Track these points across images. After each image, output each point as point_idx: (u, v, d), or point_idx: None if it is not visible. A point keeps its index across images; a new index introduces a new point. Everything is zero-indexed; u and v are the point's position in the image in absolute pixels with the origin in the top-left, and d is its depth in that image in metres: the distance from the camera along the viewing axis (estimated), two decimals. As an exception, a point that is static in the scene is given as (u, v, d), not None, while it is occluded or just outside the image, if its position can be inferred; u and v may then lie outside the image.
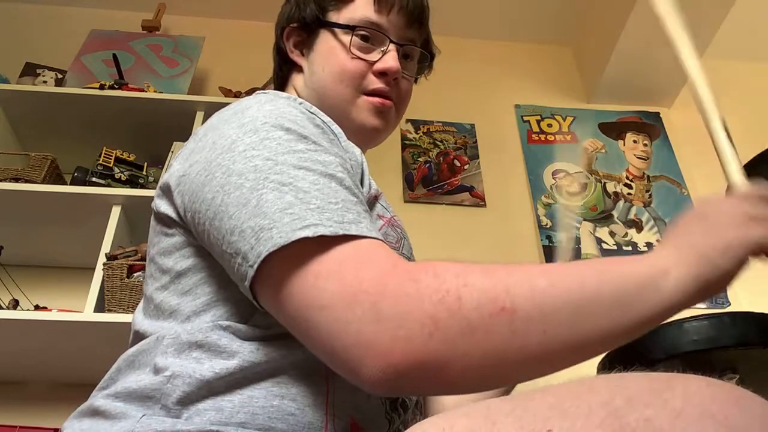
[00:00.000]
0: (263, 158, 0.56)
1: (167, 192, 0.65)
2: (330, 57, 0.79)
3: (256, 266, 0.51)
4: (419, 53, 0.85)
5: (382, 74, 0.79)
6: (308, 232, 0.50)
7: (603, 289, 0.49)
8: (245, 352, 0.55)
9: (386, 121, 0.81)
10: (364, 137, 0.80)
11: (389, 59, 0.78)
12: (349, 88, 0.78)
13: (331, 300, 0.48)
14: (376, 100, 0.79)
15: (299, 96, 0.81)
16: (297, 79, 0.84)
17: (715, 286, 0.52)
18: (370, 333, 0.46)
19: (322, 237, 0.50)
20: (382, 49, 0.79)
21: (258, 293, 0.53)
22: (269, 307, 0.54)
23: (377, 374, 0.46)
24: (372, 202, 0.68)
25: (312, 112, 0.65)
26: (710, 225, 0.54)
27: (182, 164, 0.64)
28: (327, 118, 0.67)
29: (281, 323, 0.54)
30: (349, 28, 0.78)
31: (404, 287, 0.47)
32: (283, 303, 0.51)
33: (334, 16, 0.80)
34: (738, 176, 0.61)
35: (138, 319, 0.66)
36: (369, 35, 0.79)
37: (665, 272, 0.51)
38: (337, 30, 0.79)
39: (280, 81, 0.88)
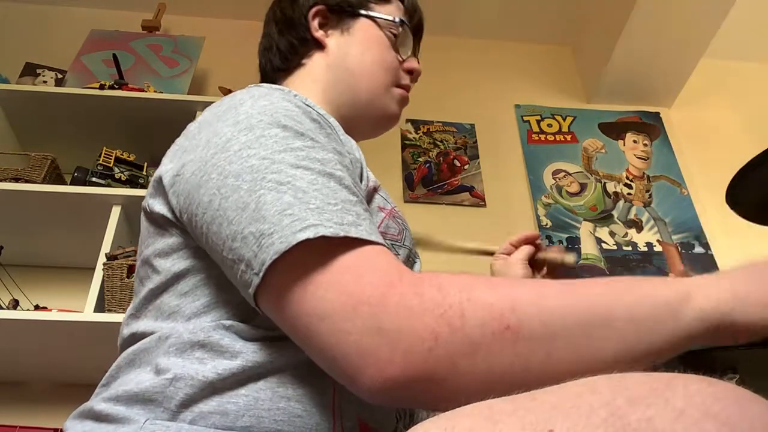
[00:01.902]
0: (259, 157, 0.54)
1: (161, 191, 0.63)
2: (373, 45, 0.84)
3: (261, 274, 0.50)
4: None
5: (409, 72, 0.88)
6: (309, 234, 0.49)
7: (616, 311, 0.46)
8: (248, 352, 0.54)
9: (401, 112, 0.89)
10: (380, 124, 0.88)
11: (416, 62, 0.89)
12: (389, 77, 0.85)
13: (332, 310, 0.47)
14: (404, 91, 0.87)
15: (314, 75, 0.84)
16: (318, 58, 0.85)
17: (728, 332, 0.48)
18: (369, 344, 0.45)
19: (323, 242, 0.49)
20: (408, 50, 0.88)
21: (259, 299, 0.52)
22: (269, 312, 0.53)
23: (375, 385, 0.45)
24: (371, 194, 0.67)
25: (308, 105, 0.63)
26: (765, 277, 0.50)
27: (175, 163, 0.62)
28: (323, 111, 0.65)
29: (281, 328, 0.53)
30: (399, 24, 0.86)
31: (407, 300, 0.46)
32: (283, 310, 0.51)
33: (378, 9, 0.86)
34: None
35: (131, 321, 0.64)
36: (402, 35, 0.86)
37: (687, 298, 0.47)
38: (380, 21, 0.85)
39: (292, 59, 0.86)
